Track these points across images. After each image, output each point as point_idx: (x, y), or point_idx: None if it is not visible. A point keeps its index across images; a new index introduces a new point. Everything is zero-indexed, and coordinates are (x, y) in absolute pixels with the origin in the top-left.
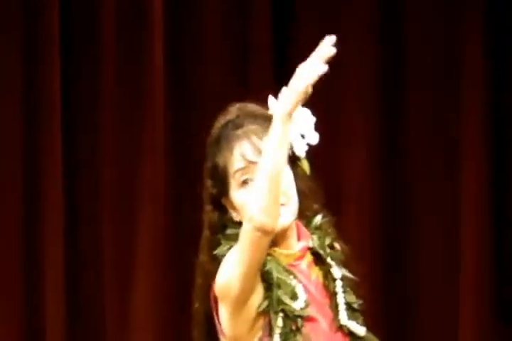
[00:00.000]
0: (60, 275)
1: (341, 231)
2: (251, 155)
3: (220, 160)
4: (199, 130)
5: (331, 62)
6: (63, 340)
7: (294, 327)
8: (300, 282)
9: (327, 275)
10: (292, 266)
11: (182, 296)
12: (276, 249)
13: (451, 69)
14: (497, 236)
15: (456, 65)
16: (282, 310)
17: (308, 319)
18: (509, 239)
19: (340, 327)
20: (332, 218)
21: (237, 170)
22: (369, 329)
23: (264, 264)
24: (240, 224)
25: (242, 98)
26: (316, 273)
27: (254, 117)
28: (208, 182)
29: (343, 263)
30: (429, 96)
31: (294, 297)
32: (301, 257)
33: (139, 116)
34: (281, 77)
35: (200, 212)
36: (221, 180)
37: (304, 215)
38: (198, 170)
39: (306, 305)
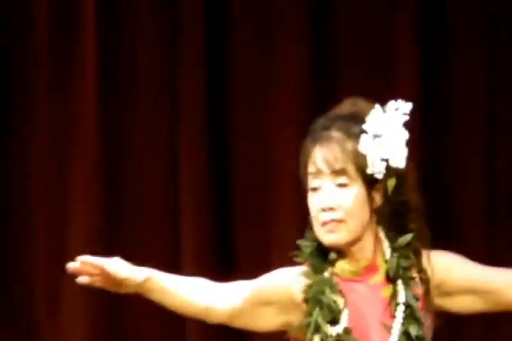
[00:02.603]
0: None
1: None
2: (321, 164)
3: (303, 156)
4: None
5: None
6: None
7: None
8: (347, 304)
9: (395, 297)
10: (356, 281)
11: None
12: (341, 262)
13: (383, 59)
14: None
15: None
16: (318, 332)
17: None
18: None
19: None
20: (426, 242)
21: (309, 173)
22: None
23: (314, 283)
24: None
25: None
26: (389, 292)
27: (347, 120)
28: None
29: (422, 292)
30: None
31: (334, 321)
32: (367, 273)
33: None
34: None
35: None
36: (303, 169)
37: (393, 232)
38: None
39: (346, 332)
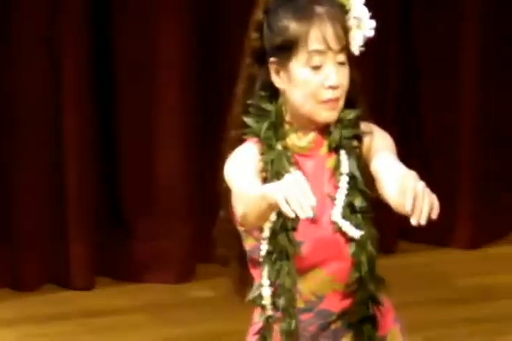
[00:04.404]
0: None
1: None
2: (333, 42)
3: (293, 28)
4: None
5: None
6: None
7: (284, 226)
8: (305, 176)
9: (338, 168)
10: (304, 155)
11: None
12: (292, 136)
13: None
14: None
15: None
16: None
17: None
18: None
19: (335, 224)
20: (368, 113)
21: (314, 51)
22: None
23: (269, 156)
24: (273, 95)
25: None
26: (333, 163)
27: (334, 2)
28: (253, 35)
29: (360, 163)
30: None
31: None
32: (315, 146)
33: None
34: None
35: None
36: (284, 45)
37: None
38: None
39: None
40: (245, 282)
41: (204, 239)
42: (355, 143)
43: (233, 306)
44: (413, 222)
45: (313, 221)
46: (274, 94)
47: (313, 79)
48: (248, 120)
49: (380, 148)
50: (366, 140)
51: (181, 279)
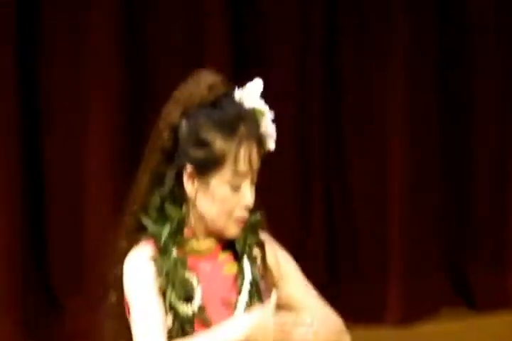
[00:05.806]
0: None
1: None
2: (255, 163)
3: (219, 145)
4: None
5: None
6: None
7: (182, 330)
8: (199, 282)
9: (240, 273)
10: (204, 258)
11: None
12: (194, 242)
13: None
14: None
15: None
16: (172, 311)
17: (203, 323)
18: None
19: None
20: (265, 217)
21: (239, 172)
22: None
23: (164, 265)
24: (178, 196)
25: None
26: (232, 268)
27: (256, 121)
28: (166, 134)
29: (260, 268)
30: None
31: (188, 299)
32: (214, 252)
33: None
34: None
35: None
36: (208, 161)
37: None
38: None
39: (200, 310)
40: None
41: None
42: (256, 250)
43: None
44: None
45: (208, 325)
46: (179, 195)
47: (232, 198)
48: (147, 222)
49: (290, 274)
50: (268, 250)
51: None
